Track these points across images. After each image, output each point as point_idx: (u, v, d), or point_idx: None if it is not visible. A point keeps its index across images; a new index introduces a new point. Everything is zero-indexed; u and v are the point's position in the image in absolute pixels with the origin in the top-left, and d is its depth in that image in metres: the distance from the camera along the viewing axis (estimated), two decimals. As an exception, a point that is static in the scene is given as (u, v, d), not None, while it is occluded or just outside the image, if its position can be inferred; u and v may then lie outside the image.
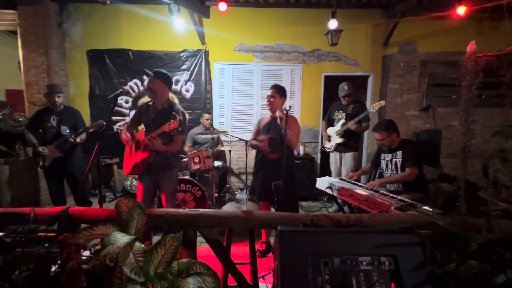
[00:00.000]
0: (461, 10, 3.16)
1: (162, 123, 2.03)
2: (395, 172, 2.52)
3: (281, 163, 1.93)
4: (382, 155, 2.67)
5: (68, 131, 2.85)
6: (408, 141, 2.60)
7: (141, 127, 2.33)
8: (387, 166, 2.60)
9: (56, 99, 2.84)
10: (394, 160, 2.52)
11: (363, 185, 2.46)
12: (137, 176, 2.58)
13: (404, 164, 2.44)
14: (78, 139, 2.83)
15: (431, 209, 1.74)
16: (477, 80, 1.33)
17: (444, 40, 4.20)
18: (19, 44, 3.95)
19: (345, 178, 2.77)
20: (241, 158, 4.50)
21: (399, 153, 2.49)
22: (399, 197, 2.06)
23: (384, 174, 2.65)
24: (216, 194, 3.59)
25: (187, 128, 4.29)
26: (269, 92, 2.43)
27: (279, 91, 2.42)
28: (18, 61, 4.15)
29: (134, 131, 2.31)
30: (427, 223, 1.12)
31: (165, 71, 2.20)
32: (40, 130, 2.83)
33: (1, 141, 2.94)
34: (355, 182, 2.55)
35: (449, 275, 0.91)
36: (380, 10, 4.22)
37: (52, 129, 2.81)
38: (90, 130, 2.90)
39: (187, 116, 4.37)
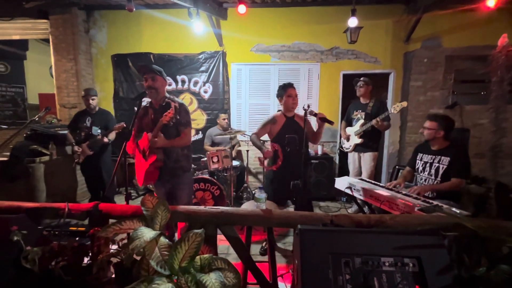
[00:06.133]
0: (491, 2, 2.97)
1: None
2: (433, 177, 2.26)
3: (300, 163, 1.93)
4: (419, 155, 2.41)
5: (99, 131, 3.07)
6: (459, 148, 2.22)
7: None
8: (424, 168, 2.34)
9: (90, 101, 3.09)
10: (436, 164, 2.24)
11: (383, 185, 2.40)
12: None
13: (450, 172, 2.14)
14: (105, 139, 3.01)
15: (458, 211, 1.66)
16: (509, 75, 1.25)
17: (472, 34, 3.97)
18: (51, 51, 4.23)
19: (365, 179, 2.71)
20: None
21: (445, 160, 2.19)
22: (423, 198, 1.99)
23: (418, 176, 2.41)
24: (234, 193, 3.63)
25: (205, 128, 4.40)
26: (292, 92, 2.34)
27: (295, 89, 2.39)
28: (49, 67, 4.44)
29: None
30: (454, 225, 1.08)
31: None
32: (78, 131, 3.11)
33: (36, 141, 3.18)
34: (376, 182, 2.48)
35: (478, 280, 0.87)
36: (401, 6, 4.07)
37: (86, 129, 3.08)
38: (113, 131, 3.08)
39: (205, 117, 4.54)
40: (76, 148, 3.02)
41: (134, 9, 3.27)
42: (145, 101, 2.20)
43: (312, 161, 4.07)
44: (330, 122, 2.15)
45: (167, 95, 2.18)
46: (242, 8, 3.37)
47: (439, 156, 2.24)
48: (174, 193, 2.17)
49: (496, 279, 0.83)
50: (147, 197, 1.24)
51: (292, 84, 2.40)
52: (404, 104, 3.02)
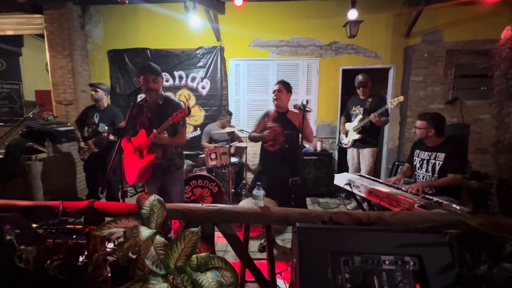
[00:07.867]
0: (493, -6, 2.93)
1: (162, 119, 1.93)
2: (430, 174, 2.26)
3: (293, 159, 1.93)
4: (416, 151, 2.42)
5: (106, 128, 3.02)
6: (455, 144, 2.21)
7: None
8: (421, 165, 2.35)
9: (93, 93, 3.05)
10: (432, 161, 2.26)
11: (383, 181, 2.38)
12: None
13: (446, 168, 2.15)
14: (111, 137, 2.96)
15: (458, 208, 1.65)
16: (512, 69, 1.23)
17: (474, 28, 3.92)
18: (46, 47, 4.16)
19: (365, 175, 2.69)
20: (257, 155, 4.50)
21: (441, 156, 2.20)
22: (423, 195, 1.97)
23: (416, 173, 2.42)
24: (233, 190, 3.62)
25: (203, 125, 4.36)
26: (276, 87, 2.47)
27: (286, 86, 2.48)
28: (45, 63, 4.38)
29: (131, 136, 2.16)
30: (455, 222, 1.06)
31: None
32: (85, 126, 3.08)
33: (32, 139, 3.13)
34: (375, 179, 2.47)
35: (480, 278, 0.86)
36: (402, -1, 4.03)
37: (93, 125, 3.04)
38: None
39: (203, 113, 4.50)
40: (82, 144, 2.99)
41: (127, 2, 3.21)
42: (140, 97, 2.16)
43: (311, 157, 4.05)
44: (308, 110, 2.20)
45: (162, 92, 2.16)
46: (238, 0, 3.31)
47: (435, 153, 2.25)
48: (166, 190, 2.15)
49: (498, 277, 0.82)
50: (143, 195, 1.21)
51: (280, 80, 2.51)
52: (401, 98, 2.99)
